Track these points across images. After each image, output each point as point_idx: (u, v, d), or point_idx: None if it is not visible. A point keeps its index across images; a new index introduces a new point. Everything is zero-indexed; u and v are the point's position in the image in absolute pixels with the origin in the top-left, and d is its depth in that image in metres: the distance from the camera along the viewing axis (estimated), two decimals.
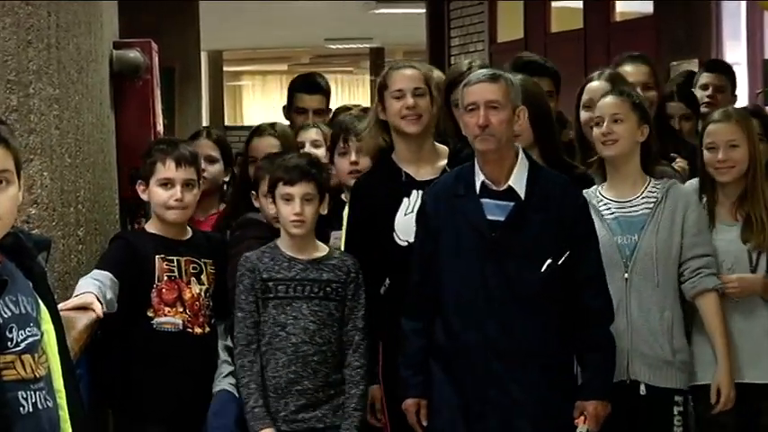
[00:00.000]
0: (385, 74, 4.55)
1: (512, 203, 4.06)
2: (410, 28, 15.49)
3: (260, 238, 4.46)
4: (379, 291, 4.42)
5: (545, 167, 4.27)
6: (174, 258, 4.39)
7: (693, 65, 7.97)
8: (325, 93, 6.13)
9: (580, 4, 11.04)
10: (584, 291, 4.08)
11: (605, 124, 4.38)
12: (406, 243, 4.34)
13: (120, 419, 4.47)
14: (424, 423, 4.16)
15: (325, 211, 4.40)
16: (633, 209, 4.39)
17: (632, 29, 10.24)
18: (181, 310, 4.36)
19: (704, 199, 4.49)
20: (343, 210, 4.62)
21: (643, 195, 4.40)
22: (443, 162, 4.48)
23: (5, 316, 2.46)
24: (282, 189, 4.28)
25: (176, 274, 4.38)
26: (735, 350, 4.38)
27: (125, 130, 5.17)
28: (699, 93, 5.70)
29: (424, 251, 4.16)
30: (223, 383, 4.38)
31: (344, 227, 4.60)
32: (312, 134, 5.21)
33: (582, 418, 4.08)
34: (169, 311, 4.34)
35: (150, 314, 4.33)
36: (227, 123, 19.52)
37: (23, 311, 2.50)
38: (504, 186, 4.08)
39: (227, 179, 5.17)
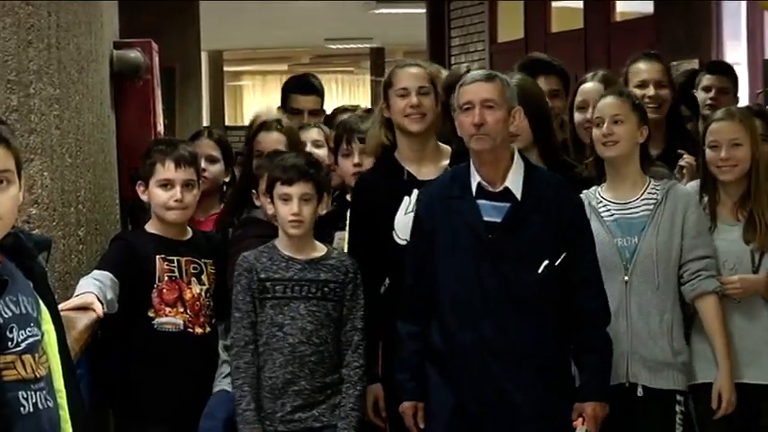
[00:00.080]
0: (390, 72, 4.55)
1: (508, 205, 4.06)
2: (410, 28, 15.49)
3: (260, 236, 4.45)
4: (380, 290, 4.42)
5: (541, 168, 4.26)
6: (175, 258, 4.39)
7: (693, 65, 7.96)
8: (320, 93, 6.15)
9: (580, 4, 11.04)
10: (580, 292, 4.07)
11: (606, 125, 4.37)
12: (405, 242, 4.33)
13: (120, 419, 4.48)
14: (422, 426, 4.15)
15: (324, 212, 4.39)
16: (633, 210, 4.38)
17: (632, 29, 10.23)
18: (181, 310, 4.36)
19: (705, 199, 4.48)
20: (347, 210, 4.62)
21: (643, 197, 4.39)
22: (446, 162, 4.47)
23: (6, 316, 2.46)
24: (280, 189, 4.27)
25: (177, 274, 4.38)
26: (735, 350, 4.37)
27: (125, 130, 5.17)
28: (701, 95, 5.68)
29: (418, 251, 4.15)
30: (223, 383, 4.37)
31: (348, 226, 4.60)
32: (313, 134, 5.21)
33: (580, 419, 4.07)
34: (170, 312, 4.35)
35: (151, 314, 4.33)
36: (227, 123, 19.52)
37: (24, 311, 2.50)
38: (501, 187, 4.07)
39: (227, 179, 5.17)
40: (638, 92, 5.06)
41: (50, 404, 2.53)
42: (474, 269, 4.02)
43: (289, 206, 4.25)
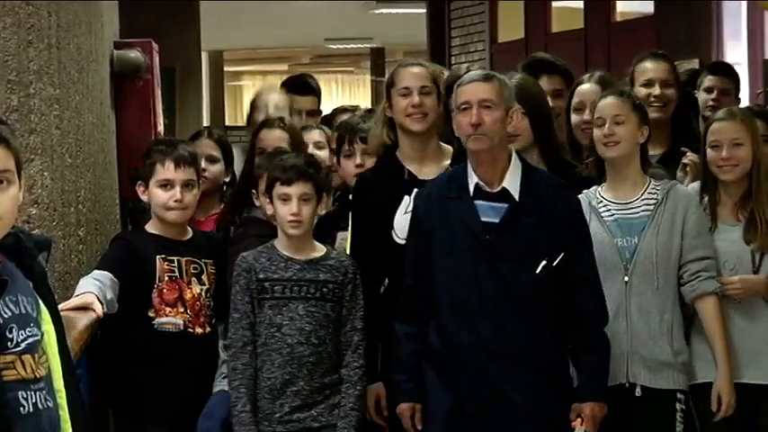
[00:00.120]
0: (393, 71, 4.56)
1: (505, 205, 4.05)
2: (410, 28, 15.49)
3: (260, 236, 4.45)
4: (380, 290, 4.42)
5: (538, 169, 4.25)
6: (175, 258, 4.39)
7: (694, 65, 7.95)
8: (317, 93, 6.17)
9: (581, 5, 11.03)
10: (577, 292, 4.07)
11: (607, 126, 4.36)
12: (404, 242, 4.32)
13: (120, 419, 4.48)
14: (419, 427, 4.15)
15: (323, 212, 4.39)
16: (633, 210, 4.37)
17: (633, 29, 10.23)
18: (182, 310, 4.36)
19: (705, 199, 4.48)
20: (349, 211, 4.61)
21: (643, 197, 4.38)
22: (447, 162, 4.47)
23: (5, 316, 2.46)
24: (280, 189, 4.26)
25: (177, 274, 4.38)
26: (735, 351, 4.37)
27: (126, 130, 5.17)
28: (703, 96, 5.68)
29: (417, 251, 4.15)
30: (223, 384, 4.37)
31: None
32: (315, 135, 5.22)
33: (579, 419, 4.08)
34: (170, 312, 4.34)
35: (151, 314, 4.33)
36: (227, 123, 19.51)
37: (23, 311, 2.50)
38: (498, 188, 4.07)
39: (227, 179, 5.17)
40: (643, 91, 5.07)
41: (50, 404, 2.53)
42: (471, 269, 4.02)
43: (288, 206, 4.24)
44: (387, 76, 4.66)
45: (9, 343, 2.45)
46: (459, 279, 4.04)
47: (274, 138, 5.02)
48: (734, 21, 9.12)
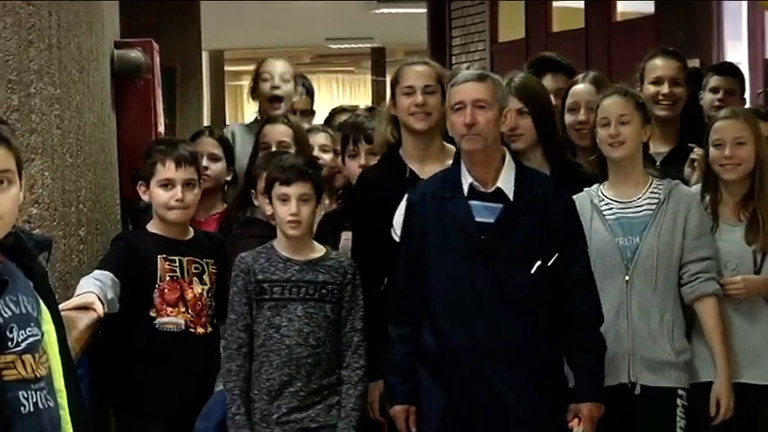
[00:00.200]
0: (398, 69, 4.56)
1: (500, 205, 4.05)
2: (411, 28, 15.48)
3: (259, 236, 4.45)
4: (380, 289, 4.41)
5: (531, 169, 4.25)
6: (176, 258, 4.39)
7: (694, 65, 7.95)
8: (310, 94, 6.19)
9: (581, 4, 11.04)
10: (572, 293, 4.07)
11: (612, 126, 4.34)
12: None
13: (121, 419, 4.47)
14: (413, 430, 4.14)
15: (323, 213, 4.39)
16: (635, 210, 4.37)
17: (633, 29, 10.23)
18: (183, 310, 4.36)
19: (707, 198, 4.47)
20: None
21: (645, 196, 4.38)
22: (450, 161, 4.45)
23: (6, 316, 2.46)
24: (279, 189, 4.25)
25: (178, 274, 4.38)
26: (735, 351, 4.36)
27: (126, 130, 5.18)
28: (708, 96, 5.67)
29: (410, 252, 4.14)
30: None
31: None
32: (321, 138, 5.22)
33: (576, 420, 4.07)
34: (171, 311, 4.34)
35: (152, 314, 4.33)
36: (228, 123, 19.51)
37: (24, 311, 2.50)
38: (493, 188, 4.07)
39: (228, 178, 5.17)
40: (652, 88, 5.07)
41: (51, 404, 2.53)
42: (466, 270, 4.02)
43: (287, 206, 4.23)
44: (390, 74, 4.68)
45: (9, 343, 2.45)
46: (453, 279, 4.04)
47: (278, 133, 5.04)
48: (734, 21, 9.12)
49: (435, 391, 4.08)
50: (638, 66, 5.26)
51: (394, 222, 4.38)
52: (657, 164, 4.90)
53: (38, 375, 2.49)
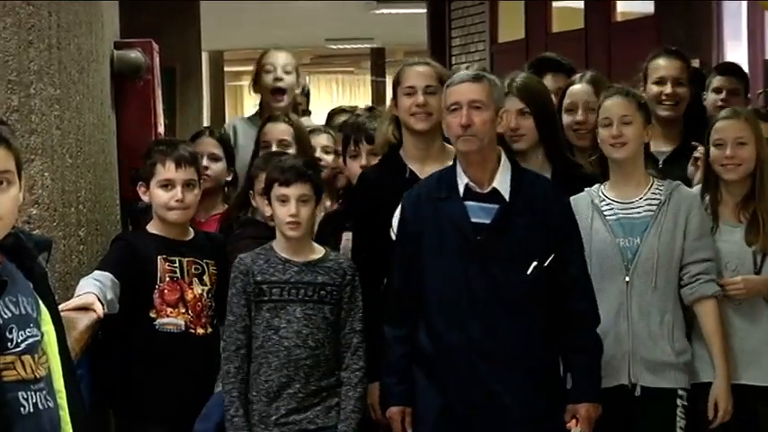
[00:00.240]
0: (400, 69, 4.55)
1: (496, 206, 4.04)
2: (411, 28, 15.49)
3: (255, 237, 4.46)
4: (380, 289, 4.41)
5: (527, 169, 4.24)
6: (176, 259, 4.39)
7: (695, 65, 7.95)
8: (305, 94, 6.19)
9: (581, 5, 11.04)
10: (568, 294, 4.06)
11: (615, 126, 4.32)
12: None
13: (121, 420, 4.47)
14: (409, 431, 4.14)
15: (322, 213, 4.38)
16: (636, 210, 4.36)
17: (633, 29, 10.23)
18: (183, 310, 4.36)
19: (707, 198, 4.46)
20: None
21: (646, 197, 4.37)
22: (450, 162, 4.46)
23: (5, 317, 2.46)
24: (278, 190, 4.24)
25: (178, 274, 4.38)
26: (735, 352, 4.35)
27: (126, 131, 5.18)
28: (712, 96, 5.66)
29: (405, 253, 4.13)
30: None
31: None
32: (323, 140, 5.22)
33: (574, 420, 4.07)
34: (171, 312, 4.34)
35: (152, 315, 4.32)
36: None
37: (23, 312, 2.50)
38: (489, 188, 4.06)
39: (229, 178, 5.17)
40: (655, 89, 5.06)
41: (51, 404, 2.53)
42: (462, 270, 4.01)
43: (286, 207, 4.21)
44: (389, 75, 4.69)
45: (9, 343, 2.45)
46: (448, 280, 4.03)
47: (279, 131, 5.05)
48: (734, 21, 9.12)
49: (431, 391, 4.07)
50: (640, 66, 5.25)
51: (393, 223, 4.38)
52: (660, 163, 4.91)
53: (37, 376, 2.49)
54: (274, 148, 5.05)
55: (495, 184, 4.05)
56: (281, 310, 4.20)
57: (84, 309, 3.86)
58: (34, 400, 2.48)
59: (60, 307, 2.93)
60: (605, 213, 4.35)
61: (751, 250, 4.40)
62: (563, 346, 4.10)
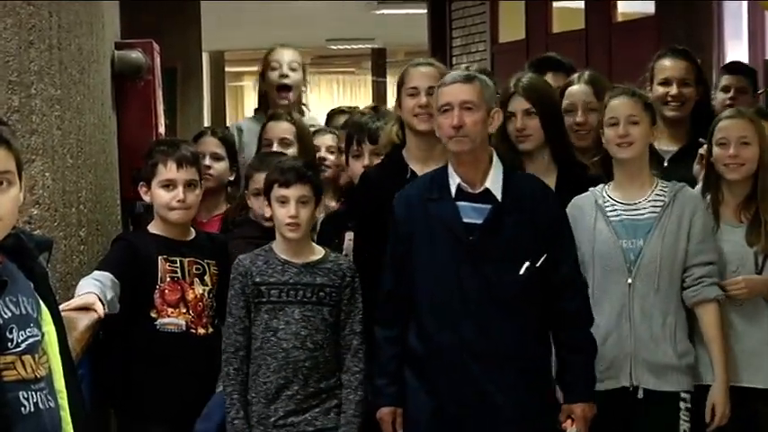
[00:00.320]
0: (404, 70, 4.56)
1: (488, 206, 4.04)
2: (412, 28, 15.48)
3: (248, 237, 4.47)
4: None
5: (518, 170, 4.23)
6: (177, 259, 4.39)
7: None
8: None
9: (581, 5, 11.03)
10: (560, 293, 4.06)
11: (621, 126, 4.31)
12: None
13: (122, 420, 4.48)
14: None
15: (322, 215, 4.38)
16: (640, 211, 4.34)
17: (633, 29, 10.23)
18: (184, 310, 4.36)
19: (708, 198, 4.45)
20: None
21: (650, 198, 4.35)
22: None
23: (5, 317, 2.46)
24: (278, 191, 4.24)
25: (179, 274, 4.38)
26: (735, 353, 4.35)
27: (127, 131, 5.18)
28: (720, 95, 5.66)
29: (396, 254, 4.13)
30: None
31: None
32: (327, 140, 5.22)
33: (569, 420, 4.08)
34: (172, 312, 4.34)
35: (153, 315, 4.33)
36: (228, 123, 19.51)
37: (24, 312, 2.50)
38: (480, 189, 4.06)
39: (231, 178, 5.17)
40: (661, 89, 5.05)
41: (51, 404, 2.53)
42: (454, 271, 4.01)
43: (286, 209, 4.21)
44: (390, 75, 4.69)
45: (9, 343, 2.46)
46: (440, 280, 4.02)
47: (281, 130, 5.06)
48: (735, 21, 9.13)
49: (422, 392, 4.07)
50: (646, 66, 5.24)
51: None
52: (665, 162, 4.90)
53: (38, 376, 2.50)
54: (276, 147, 5.06)
55: (487, 185, 4.05)
56: (279, 312, 4.20)
57: (85, 309, 3.86)
58: (35, 400, 2.48)
59: (61, 307, 2.94)
60: (609, 214, 4.34)
61: (752, 251, 4.39)
62: (557, 346, 4.10)
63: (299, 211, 4.21)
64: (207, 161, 4.95)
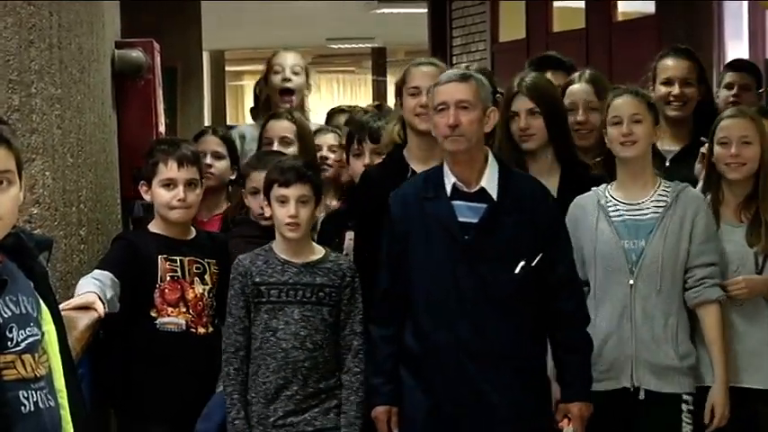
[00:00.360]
0: (405, 69, 4.56)
1: (484, 205, 4.04)
2: (412, 28, 15.48)
3: (246, 236, 4.47)
4: None
5: (514, 170, 4.23)
6: (177, 258, 4.39)
7: None
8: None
9: (582, 4, 11.04)
10: (556, 293, 4.06)
11: (625, 125, 4.30)
12: None
13: (122, 419, 4.47)
14: (395, 431, 4.14)
15: (321, 214, 4.38)
16: (642, 212, 4.33)
17: (634, 29, 10.24)
18: (184, 310, 4.36)
19: (708, 197, 4.45)
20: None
21: (653, 198, 4.34)
22: None
23: (5, 316, 2.46)
24: (277, 191, 4.23)
25: (179, 274, 4.38)
26: (736, 353, 4.34)
27: (127, 130, 5.18)
28: (723, 92, 5.65)
29: (392, 253, 4.13)
30: None
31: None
32: (329, 139, 5.22)
33: (566, 420, 4.08)
34: (172, 311, 4.34)
35: (153, 314, 4.32)
36: (229, 123, 19.50)
37: (24, 311, 2.50)
38: (476, 188, 4.06)
39: (232, 177, 5.17)
40: (663, 89, 5.04)
41: (52, 404, 2.53)
42: (449, 270, 4.00)
43: (286, 208, 4.20)
44: (390, 75, 4.70)
45: (9, 342, 2.46)
46: (436, 279, 4.02)
47: (281, 128, 5.05)
48: (735, 21, 9.13)
49: (418, 391, 4.07)
50: (647, 65, 5.23)
51: None
52: (667, 161, 4.90)
53: (38, 375, 2.50)
54: (276, 145, 5.05)
55: (482, 184, 4.05)
56: (278, 312, 4.19)
57: (85, 308, 3.86)
58: (35, 399, 2.48)
59: (61, 306, 2.94)
60: (611, 214, 4.33)
61: (753, 251, 4.38)
62: (553, 345, 4.10)
63: (298, 211, 4.20)
64: (208, 160, 4.95)
